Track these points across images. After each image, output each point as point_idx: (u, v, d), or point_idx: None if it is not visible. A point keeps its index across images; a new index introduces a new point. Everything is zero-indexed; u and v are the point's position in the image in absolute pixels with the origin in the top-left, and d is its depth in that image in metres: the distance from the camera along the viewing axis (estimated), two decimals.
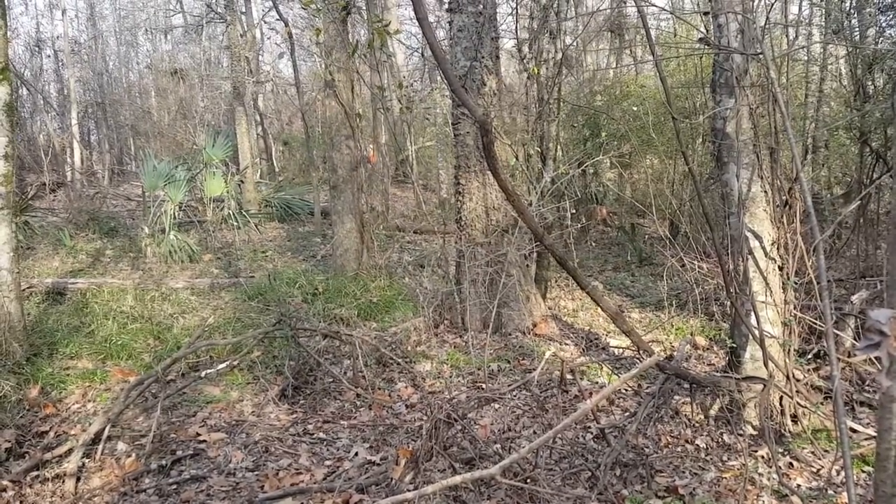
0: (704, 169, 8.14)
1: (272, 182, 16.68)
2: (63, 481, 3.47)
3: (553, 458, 3.72)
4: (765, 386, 3.80)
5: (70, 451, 3.69)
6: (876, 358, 1.55)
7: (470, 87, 5.92)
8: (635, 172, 10.97)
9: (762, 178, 3.96)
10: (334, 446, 3.99)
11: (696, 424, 4.04)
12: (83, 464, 3.66)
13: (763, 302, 3.94)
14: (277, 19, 13.13)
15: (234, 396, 4.71)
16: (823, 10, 8.50)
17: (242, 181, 12.88)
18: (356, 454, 3.82)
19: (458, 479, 2.69)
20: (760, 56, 3.61)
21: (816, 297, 4.00)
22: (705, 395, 4.10)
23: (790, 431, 3.89)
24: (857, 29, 7.69)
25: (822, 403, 4.04)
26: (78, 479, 3.54)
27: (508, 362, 5.48)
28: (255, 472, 3.65)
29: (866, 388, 4.45)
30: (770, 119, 4.03)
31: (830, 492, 3.31)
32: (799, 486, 3.39)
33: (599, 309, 4.98)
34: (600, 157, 8.78)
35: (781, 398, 3.92)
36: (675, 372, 4.04)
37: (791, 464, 3.63)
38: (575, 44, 9.78)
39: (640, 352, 4.91)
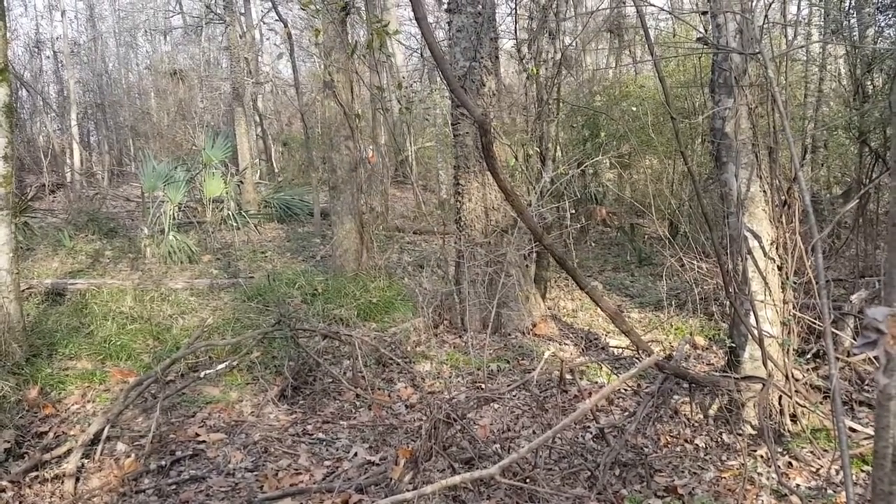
0: (703, 169, 8.14)
1: (271, 183, 16.69)
2: (62, 482, 3.47)
3: (552, 458, 3.72)
4: (764, 385, 3.80)
5: (69, 451, 3.68)
6: (874, 356, 1.56)
7: (469, 87, 5.93)
8: (634, 172, 10.98)
9: (761, 177, 3.97)
10: (334, 446, 3.99)
11: (696, 424, 4.04)
12: (82, 464, 3.66)
13: (762, 301, 3.95)
14: (276, 20, 13.11)
15: (233, 397, 4.71)
16: (822, 10, 8.51)
17: (242, 182, 12.89)
18: (355, 454, 3.82)
19: (457, 478, 2.69)
20: (759, 56, 3.61)
21: (815, 297, 4.00)
22: (704, 395, 4.10)
23: (789, 431, 3.89)
24: (855, 28, 7.70)
25: (820, 403, 4.04)
26: (77, 480, 3.54)
27: (508, 362, 5.48)
28: (255, 473, 3.65)
29: (865, 387, 4.45)
30: (769, 119, 4.03)
31: (829, 491, 3.31)
32: (798, 485, 3.40)
33: (599, 309, 4.98)
34: (599, 158, 8.79)
35: (780, 398, 3.92)
36: (674, 372, 4.04)
37: (790, 463, 3.63)
38: (574, 44, 9.78)
39: (640, 351, 4.91)
